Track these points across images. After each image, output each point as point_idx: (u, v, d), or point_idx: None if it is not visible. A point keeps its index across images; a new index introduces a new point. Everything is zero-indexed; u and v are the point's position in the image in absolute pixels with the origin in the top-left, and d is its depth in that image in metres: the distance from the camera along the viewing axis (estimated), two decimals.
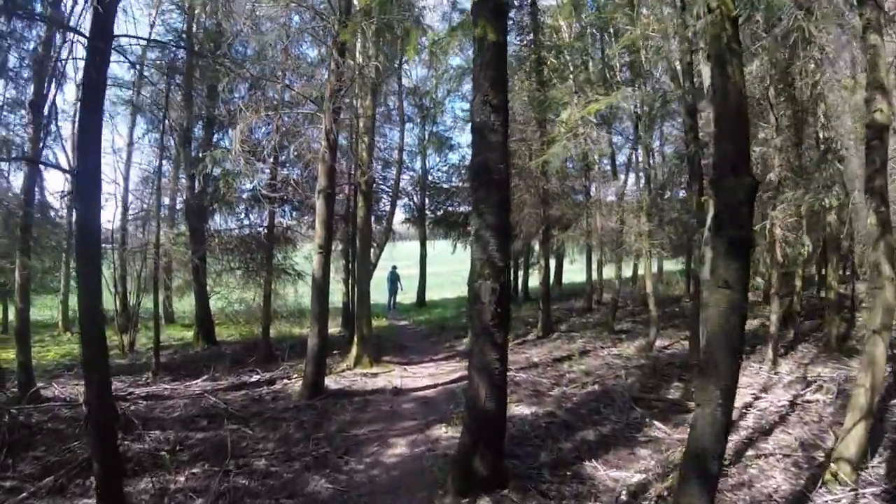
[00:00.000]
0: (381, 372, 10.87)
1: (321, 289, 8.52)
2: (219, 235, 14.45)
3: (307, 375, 8.82)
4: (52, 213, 15.77)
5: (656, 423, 7.76)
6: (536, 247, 22.38)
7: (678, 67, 10.45)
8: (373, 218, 20.85)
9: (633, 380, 10.13)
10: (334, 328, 17.26)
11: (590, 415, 8.32)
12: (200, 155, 11.20)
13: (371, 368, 11.04)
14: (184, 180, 14.48)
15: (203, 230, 14.04)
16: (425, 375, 10.86)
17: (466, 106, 21.16)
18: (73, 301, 18.33)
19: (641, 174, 14.70)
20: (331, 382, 10.15)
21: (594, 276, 19.96)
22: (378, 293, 29.89)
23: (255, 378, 10.89)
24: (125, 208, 16.03)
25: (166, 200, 15.85)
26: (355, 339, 11.50)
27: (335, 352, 12.55)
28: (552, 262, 25.21)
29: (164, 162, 13.97)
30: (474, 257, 4.99)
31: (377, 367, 11.10)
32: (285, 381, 10.43)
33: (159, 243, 10.87)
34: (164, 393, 10.03)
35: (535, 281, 25.51)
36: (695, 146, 11.29)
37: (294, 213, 17.32)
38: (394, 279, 22.26)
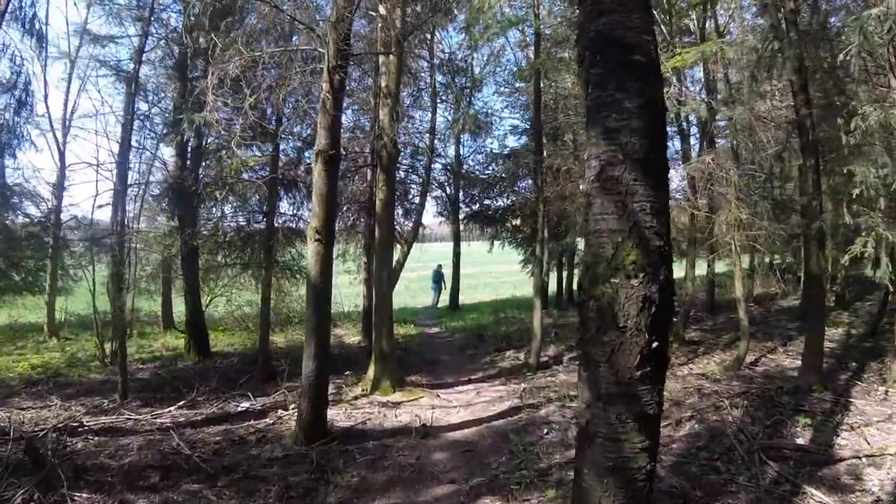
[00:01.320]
0: (405, 400, 8.35)
1: (319, 292, 6.02)
2: (214, 225, 12.17)
3: (301, 412, 6.34)
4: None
5: (811, 489, 5.19)
6: (581, 243, 19.85)
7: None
8: (400, 210, 18.62)
9: (740, 413, 7.51)
10: (355, 335, 15.06)
11: (704, 474, 5.74)
12: (178, 118, 8.87)
13: (392, 395, 8.54)
14: (172, 157, 12.19)
15: (193, 218, 11.76)
16: (463, 405, 8.33)
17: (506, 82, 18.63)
18: (62, 303, 16.51)
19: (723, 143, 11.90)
20: (339, 416, 7.72)
21: None
22: (409, 296, 27.93)
23: (243, 406, 8.52)
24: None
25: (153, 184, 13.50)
26: (373, 357, 9.04)
27: (347, 373, 10.13)
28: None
29: (142, 131, 11.77)
30: (592, 232, 2.48)
31: (400, 393, 8.59)
32: (280, 412, 8.01)
33: (125, 230, 8.57)
34: (125, 425, 7.75)
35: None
36: (806, 110, 8.71)
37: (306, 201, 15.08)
38: (438, 279, 21.82)
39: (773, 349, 11.00)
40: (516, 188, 19.43)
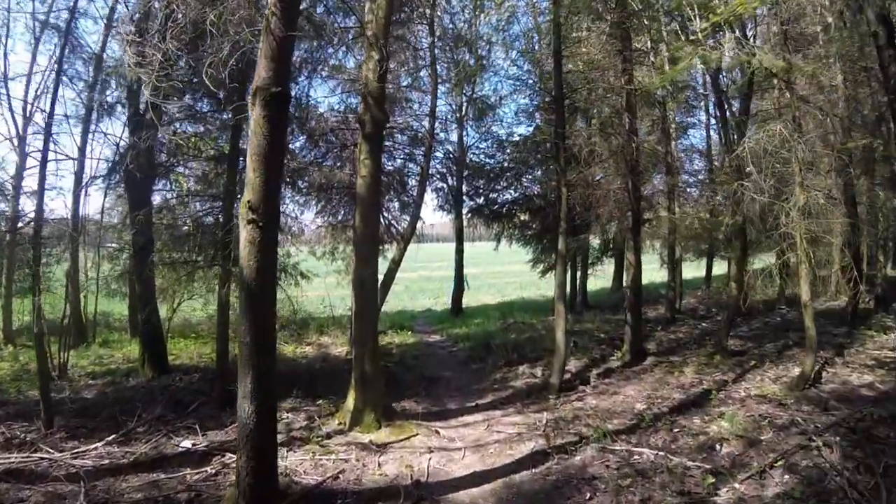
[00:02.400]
0: (393, 440, 6.37)
1: (256, 299, 3.99)
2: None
3: (240, 471, 4.36)
4: None
5: None
6: (595, 241, 17.90)
7: None
8: (397, 203, 16.74)
9: (838, 456, 5.69)
10: (344, 344, 13.09)
11: None
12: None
13: (377, 432, 6.55)
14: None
15: (147, 204, 9.85)
16: (469, 445, 6.37)
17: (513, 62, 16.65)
18: (19, 306, 14.69)
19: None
20: (304, 465, 5.78)
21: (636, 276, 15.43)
22: (409, 298, 26.07)
23: (186, 444, 6.58)
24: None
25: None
26: (352, 383, 7.06)
27: (319, 402, 8.23)
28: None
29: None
30: None
31: (388, 430, 6.60)
32: (228, 456, 6.04)
33: (41, 219, 6.64)
34: (36, 467, 5.94)
35: (594, 284, 21.25)
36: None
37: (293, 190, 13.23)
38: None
39: (830, 360, 9.13)
40: (526, 178, 17.53)
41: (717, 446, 6.07)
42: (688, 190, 16.21)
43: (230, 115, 7.89)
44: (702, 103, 17.99)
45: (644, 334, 12.00)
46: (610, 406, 7.72)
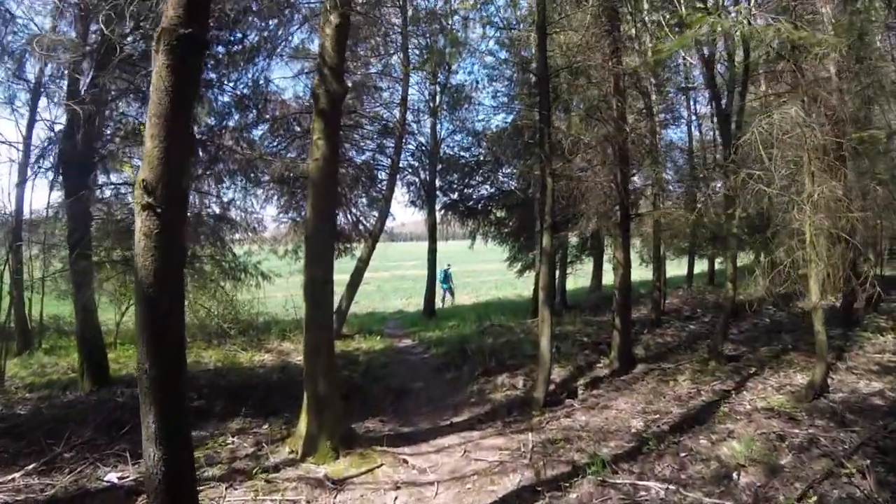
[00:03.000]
0: (353, 473, 5.30)
1: (152, 305, 2.83)
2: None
3: None
4: None
5: None
6: (573, 239, 17.05)
7: None
8: (365, 199, 15.66)
9: (873, 482, 4.95)
10: None
11: None
12: None
13: (334, 464, 5.48)
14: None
15: (84, 191, 8.63)
16: (444, 478, 5.34)
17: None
18: None
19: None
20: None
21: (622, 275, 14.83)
22: (381, 299, 24.95)
23: (111, 478, 5.45)
24: None
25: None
26: (304, 405, 5.96)
27: (271, 421, 7.14)
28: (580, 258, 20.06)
29: None
30: None
31: (347, 460, 5.53)
32: None
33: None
34: None
35: (571, 283, 20.43)
36: None
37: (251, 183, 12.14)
38: (446, 279, 20.71)
39: (833, 366, 8.46)
40: (503, 172, 16.63)
41: (734, 475, 5.19)
42: (669, 186, 15.56)
43: None
44: (683, 98, 17.45)
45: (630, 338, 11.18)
46: (603, 424, 6.79)
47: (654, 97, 13.00)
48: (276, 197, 14.18)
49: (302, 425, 5.83)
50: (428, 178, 16.48)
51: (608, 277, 22.11)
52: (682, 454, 5.68)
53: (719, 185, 11.08)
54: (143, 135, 9.04)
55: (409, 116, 15.37)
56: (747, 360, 9.39)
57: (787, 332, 10.92)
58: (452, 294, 21.45)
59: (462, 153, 16.87)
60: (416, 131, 16.09)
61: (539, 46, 8.48)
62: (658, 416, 7.01)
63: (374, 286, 31.42)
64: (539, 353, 7.72)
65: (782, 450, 5.67)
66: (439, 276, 19.09)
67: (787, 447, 5.72)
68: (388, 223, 14.82)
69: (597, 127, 9.79)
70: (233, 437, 6.67)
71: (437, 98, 16.25)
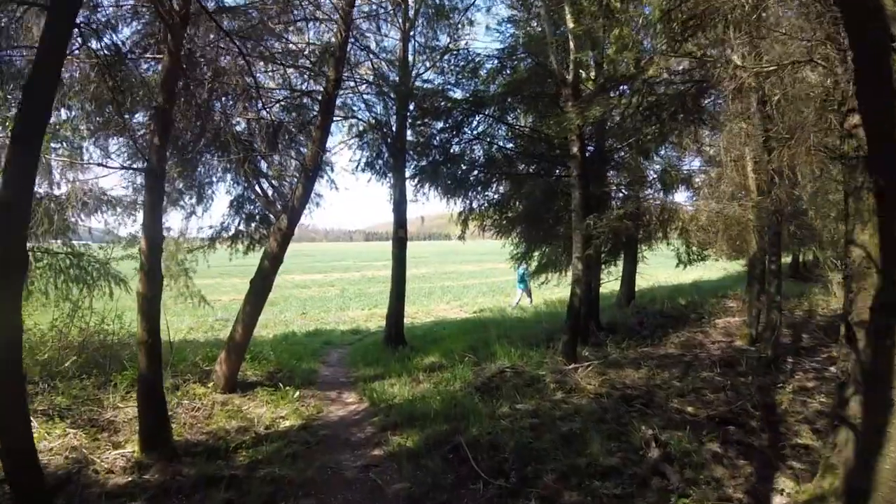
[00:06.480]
0: None
1: None
2: None
3: None
4: None
5: None
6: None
7: None
8: (293, 165, 9.90)
9: None
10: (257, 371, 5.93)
11: None
12: None
13: None
14: None
15: None
16: None
17: None
18: None
19: None
20: None
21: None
22: (337, 310, 19.25)
23: None
24: None
25: None
26: None
27: None
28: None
29: None
30: None
31: None
32: None
33: None
34: None
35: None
36: None
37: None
38: (523, 279, 18.65)
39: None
40: (510, 118, 10.83)
41: None
42: None
43: None
44: None
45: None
46: None
47: None
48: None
49: None
50: (396, 126, 10.57)
51: (641, 282, 16.50)
52: None
53: None
54: None
55: (361, 25, 9.55)
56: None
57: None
58: (530, 294, 19.41)
59: (450, 86, 10.92)
60: (376, 49, 10.19)
61: None
62: None
63: (337, 290, 26.83)
64: None
65: None
66: (517, 275, 18.11)
67: None
68: (331, 196, 8.85)
69: None
70: None
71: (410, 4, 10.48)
